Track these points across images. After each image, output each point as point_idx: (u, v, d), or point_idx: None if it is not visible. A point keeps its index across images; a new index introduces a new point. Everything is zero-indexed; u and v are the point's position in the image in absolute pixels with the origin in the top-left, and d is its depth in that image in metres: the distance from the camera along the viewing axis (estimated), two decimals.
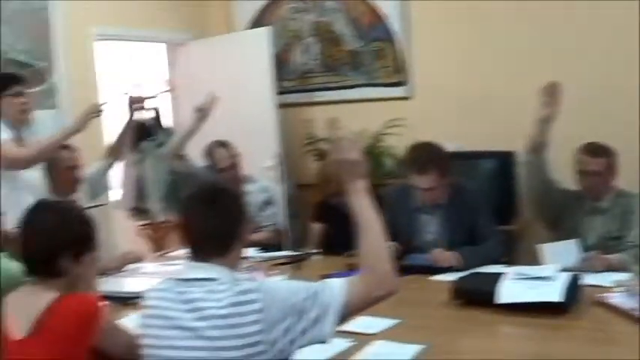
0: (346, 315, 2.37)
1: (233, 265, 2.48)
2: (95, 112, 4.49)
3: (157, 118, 7.69)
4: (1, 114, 4.45)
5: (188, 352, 2.32)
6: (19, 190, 4.33)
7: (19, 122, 4.51)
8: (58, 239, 2.72)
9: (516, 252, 5.48)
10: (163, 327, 2.39)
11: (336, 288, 2.35)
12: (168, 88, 7.66)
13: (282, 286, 2.37)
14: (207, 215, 2.48)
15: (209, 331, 2.29)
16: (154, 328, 2.42)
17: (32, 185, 4.45)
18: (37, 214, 2.80)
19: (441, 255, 4.07)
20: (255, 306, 2.27)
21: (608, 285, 3.56)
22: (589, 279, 3.65)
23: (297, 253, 4.72)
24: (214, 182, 3.99)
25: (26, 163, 4.35)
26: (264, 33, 7.13)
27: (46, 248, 2.71)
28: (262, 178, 5.74)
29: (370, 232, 2.45)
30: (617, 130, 5.22)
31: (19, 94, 4.49)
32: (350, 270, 3.93)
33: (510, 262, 4.21)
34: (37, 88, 4.69)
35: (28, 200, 3.39)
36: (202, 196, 2.56)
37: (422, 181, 4.16)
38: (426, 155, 4.20)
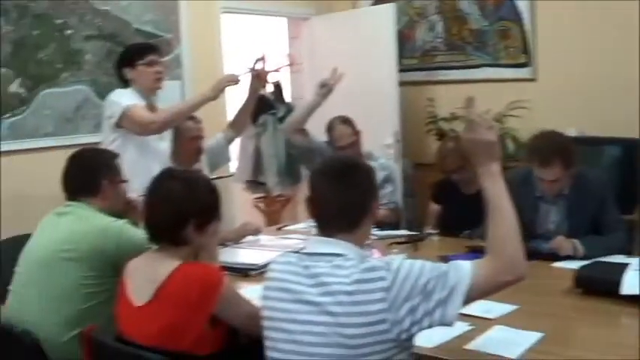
0: (471, 298, 2.33)
1: (360, 242, 2.47)
2: (232, 80, 4.53)
3: (279, 91, 7.77)
4: (135, 82, 4.54)
5: (309, 327, 2.31)
6: (147, 157, 4.42)
7: (151, 91, 4.61)
8: (184, 208, 2.77)
9: (637, 242, 5.34)
10: (286, 300, 2.39)
11: (464, 270, 2.32)
12: (289, 62, 7.70)
13: (409, 264, 2.32)
14: (337, 189, 2.47)
15: (333, 307, 2.28)
16: (277, 300, 2.43)
17: (160, 154, 4.55)
18: (164, 182, 2.85)
19: (563, 243, 3.98)
20: (382, 284, 2.26)
21: None
22: None
23: (414, 232, 4.69)
24: (345, 157, 3.97)
25: (157, 128, 4.43)
26: (388, 10, 7.11)
27: (172, 216, 2.76)
28: (381, 155, 5.71)
29: (501, 216, 2.39)
30: None
31: (154, 63, 4.58)
32: (470, 252, 3.90)
33: (630, 253, 4.08)
34: (167, 58, 4.76)
35: (155, 169, 3.46)
36: (333, 170, 2.55)
37: (545, 173, 4.06)
38: (550, 146, 4.06)
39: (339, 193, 2.46)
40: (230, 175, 6.89)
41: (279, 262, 2.53)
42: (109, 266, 3.21)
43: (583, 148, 5.25)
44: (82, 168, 3.53)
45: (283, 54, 7.84)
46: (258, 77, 4.70)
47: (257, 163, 7.69)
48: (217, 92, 4.51)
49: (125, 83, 4.59)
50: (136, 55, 4.58)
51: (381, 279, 2.26)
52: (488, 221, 2.42)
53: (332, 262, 2.36)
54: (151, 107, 4.57)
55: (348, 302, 2.26)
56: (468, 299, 2.31)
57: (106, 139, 4.51)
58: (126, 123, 4.37)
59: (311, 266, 2.39)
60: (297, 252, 2.55)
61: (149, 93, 4.58)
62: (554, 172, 4.04)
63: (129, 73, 4.56)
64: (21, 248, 3.48)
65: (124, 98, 4.43)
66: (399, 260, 2.35)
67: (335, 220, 2.46)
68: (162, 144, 4.62)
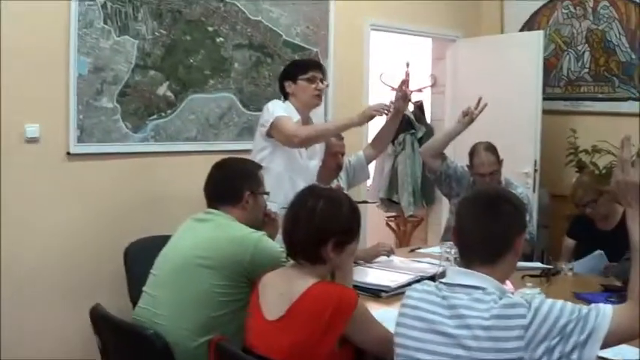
0: (611, 343, 2.29)
1: (502, 276, 2.46)
2: (380, 110, 4.55)
3: (420, 112, 7.78)
4: (294, 96, 4.62)
5: (442, 358, 2.31)
6: (294, 172, 4.47)
7: (308, 107, 4.65)
8: (326, 226, 2.77)
9: None
10: (421, 329, 2.38)
11: (605, 315, 2.26)
12: (432, 83, 7.71)
13: (550, 304, 2.28)
14: (481, 220, 2.47)
15: (469, 341, 2.26)
16: (411, 328, 2.42)
17: (308, 171, 4.60)
18: (308, 198, 2.86)
19: None
20: (521, 321, 2.23)
21: None
22: None
23: (548, 265, 4.63)
24: (496, 188, 3.94)
25: (299, 142, 4.45)
26: (535, 37, 7.05)
27: (313, 234, 2.77)
28: (518, 183, 5.66)
29: None
30: None
31: (315, 80, 4.61)
32: (605, 291, 3.83)
33: None
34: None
35: (300, 185, 3.52)
36: (480, 200, 2.56)
37: None
38: None
39: (482, 224, 2.46)
40: (374, 202, 6.93)
41: (417, 290, 2.51)
42: (243, 276, 3.25)
43: None
44: (225, 177, 3.58)
45: (427, 74, 7.86)
46: (403, 98, 4.70)
47: (392, 182, 7.70)
48: (364, 120, 4.52)
49: (285, 96, 4.67)
50: (300, 70, 4.64)
51: (521, 316, 2.23)
52: (631, 265, 2.36)
53: (471, 294, 2.35)
54: (306, 123, 4.63)
55: (484, 337, 2.24)
56: (605, 345, 2.26)
57: (257, 146, 4.60)
58: (274, 132, 4.45)
59: (449, 297, 2.38)
60: (435, 281, 2.55)
61: (305, 108, 4.63)
62: None
63: (289, 86, 4.62)
64: (154, 249, 3.56)
65: (279, 109, 4.49)
66: (540, 299, 2.31)
67: (476, 251, 2.45)
68: (312, 162, 4.68)
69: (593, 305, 2.32)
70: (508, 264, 2.48)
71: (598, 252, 4.62)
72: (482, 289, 2.35)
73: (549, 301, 2.31)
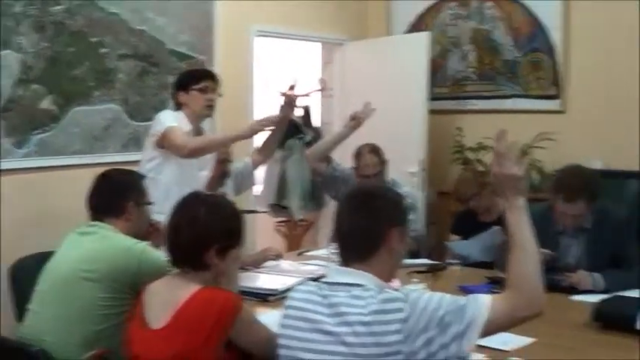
0: (488, 333, 2.33)
1: (382, 273, 2.45)
2: (269, 123, 4.55)
3: (307, 116, 7.82)
4: (186, 106, 4.59)
5: (325, 357, 2.32)
6: (183, 183, 4.40)
7: (200, 117, 4.63)
8: (207, 232, 2.76)
9: None
10: (304, 329, 2.40)
11: (482, 305, 2.30)
12: (320, 87, 7.75)
13: (428, 297, 2.31)
14: (353, 217, 2.49)
15: (349, 337, 2.28)
16: (294, 329, 2.43)
17: (197, 181, 4.57)
18: (189, 205, 2.85)
19: (583, 277, 3.99)
20: (399, 315, 2.25)
21: None
22: None
23: (435, 262, 4.71)
24: (370, 185, 3.97)
25: (187, 153, 4.42)
26: (422, 38, 7.16)
27: (195, 240, 2.76)
28: (406, 183, 5.74)
29: (523, 251, 2.39)
30: None
31: (207, 90, 4.60)
32: (489, 283, 3.91)
33: None
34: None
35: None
36: (353, 198, 2.57)
37: (569, 209, 4.06)
38: (577, 183, 4.06)
39: (354, 220, 2.48)
40: (263, 211, 6.94)
41: (299, 291, 2.53)
42: (129, 288, 3.22)
43: (608, 181, 5.27)
44: (108, 189, 3.54)
45: (315, 79, 7.89)
46: (289, 103, 4.72)
47: (281, 187, 7.73)
48: (252, 133, 4.53)
49: (178, 106, 4.63)
50: (192, 80, 4.62)
51: (399, 310, 2.26)
52: (509, 255, 2.41)
53: (350, 292, 2.36)
54: (198, 133, 4.62)
55: (364, 333, 2.26)
56: (485, 333, 2.31)
57: (146, 156, 4.57)
58: (165, 142, 4.42)
59: (330, 296, 2.39)
60: (316, 280, 2.56)
61: (197, 118, 4.61)
62: (579, 208, 4.06)
63: (182, 96, 4.60)
64: (41, 266, 3.49)
65: (170, 119, 4.46)
66: (417, 292, 2.36)
67: (351, 248, 2.47)
68: (203, 173, 4.66)
69: (470, 296, 2.36)
70: (385, 261, 2.47)
71: (496, 228, 4.72)
72: (361, 285, 2.37)
73: (427, 293, 2.34)
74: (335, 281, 2.44)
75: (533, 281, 2.36)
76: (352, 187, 3.67)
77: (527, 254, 2.38)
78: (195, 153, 4.47)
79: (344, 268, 2.47)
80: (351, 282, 2.40)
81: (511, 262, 2.40)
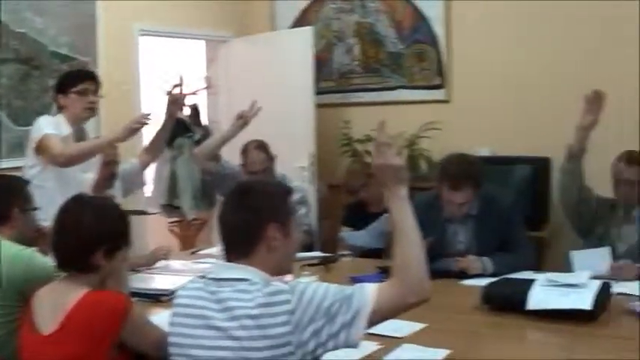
0: (376, 320, 2.35)
1: (265, 267, 2.44)
2: (140, 122, 4.49)
3: (196, 115, 7.76)
4: (66, 109, 4.51)
5: (216, 352, 2.31)
6: (67, 187, 4.31)
7: (80, 120, 4.57)
8: (92, 234, 2.73)
9: (546, 258, 5.49)
10: (193, 326, 2.38)
11: (368, 293, 2.33)
12: (207, 85, 7.71)
13: (314, 287, 2.33)
14: (231, 214, 2.49)
15: (237, 332, 2.28)
16: (184, 326, 2.42)
17: (82, 184, 4.42)
18: (73, 208, 2.81)
19: (472, 262, 4.07)
20: (286, 307, 2.26)
21: (638, 294, 3.54)
22: (619, 287, 3.66)
23: (327, 254, 4.74)
24: (249, 180, 3.97)
25: (64, 162, 4.35)
26: (306, 33, 7.17)
27: (80, 243, 2.72)
28: (296, 178, 5.76)
29: (407, 239, 2.41)
30: None
31: (86, 92, 4.52)
32: (380, 272, 3.95)
33: (539, 268, 4.18)
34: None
35: None
36: (233, 194, 2.56)
37: (455, 197, 4.13)
38: (461, 171, 4.13)
39: (232, 215, 2.48)
40: (153, 213, 6.87)
41: (187, 288, 2.51)
42: (18, 295, 3.10)
43: (495, 167, 5.43)
44: None
45: (201, 77, 7.85)
46: (175, 102, 4.68)
47: (172, 187, 7.66)
48: (128, 134, 4.43)
49: (60, 109, 4.54)
50: (70, 82, 4.53)
51: (286, 302, 2.27)
52: (394, 243, 2.44)
53: (236, 286, 2.36)
54: (79, 136, 4.54)
55: (252, 326, 2.26)
56: (373, 321, 2.33)
57: (28, 163, 4.48)
58: (41, 151, 4.34)
59: (217, 291, 2.38)
60: (204, 277, 2.55)
61: (77, 122, 4.53)
62: (464, 195, 4.13)
63: (61, 99, 4.51)
64: None
65: (47, 125, 4.37)
66: (303, 283, 2.36)
67: (231, 243, 2.47)
68: (87, 175, 4.55)
69: (357, 285, 2.38)
70: (266, 256, 2.46)
71: (386, 215, 4.73)
72: (247, 280, 2.37)
73: (314, 284, 2.35)
74: (221, 277, 2.43)
75: (417, 268, 2.38)
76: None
77: (411, 242, 2.41)
78: (71, 161, 4.39)
79: (229, 264, 2.46)
80: (236, 277, 2.39)
81: (395, 250, 2.42)
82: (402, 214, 2.43)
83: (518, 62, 6.32)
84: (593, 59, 5.96)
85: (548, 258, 5.55)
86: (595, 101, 4.24)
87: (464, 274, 4.01)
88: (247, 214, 2.46)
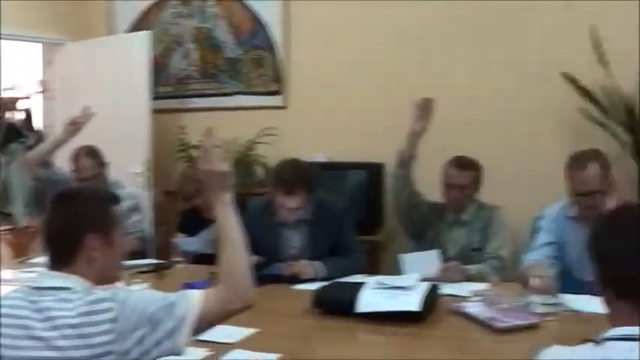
0: (202, 327, 2.33)
1: (87, 276, 2.38)
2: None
3: (28, 119, 7.56)
4: None
5: None
6: None
7: None
8: None
9: (380, 262, 5.59)
10: (16, 337, 2.28)
11: (193, 300, 2.31)
12: (41, 89, 7.52)
13: (137, 295, 2.30)
14: (51, 221, 2.43)
15: (59, 341, 2.21)
16: (8, 337, 2.31)
17: None
18: None
19: (304, 266, 4.11)
20: (109, 315, 2.21)
21: (465, 295, 3.67)
22: (448, 289, 3.78)
23: (160, 261, 4.69)
24: (72, 187, 3.88)
25: None
26: (143, 37, 7.06)
27: None
28: (131, 184, 5.68)
29: (232, 246, 2.42)
30: (485, 141, 5.45)
31: None
32: (211, 278, 3.93)
33: (374, 272, 4.25)
34: None
35: None
36: (53, 201, 2.49)
37: (288, 202, 4.17)
38: (293, 176, 4.18)
39: (52, 224, 2.42)
40: None
41: (9, 298, 2.41)
42: None
43: (330, 172, 5.49)
44: None
45: (37, 80, 7.66)
46: (5, 106, 4.55)
47: (4, 194, 7.43)
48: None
49: None
50: None
51: (108, 310, 2.22)
52: (220, 249, 2.44)
53: (58, 295, 2.29)
54: None
55: (73, 335, 2.20)
56: (199, 328, 2.31)
57: None
58: None
59: (38, 301, 2.30)
60: (26, 286, 2.47)
61: None
62: (297, 201, 4.16)
63: None
64: None
65: None
66: (127, 291, 2.33)
67: (53, 252, 2.40)
68: None
69: (180, 292, 2.37)
70: (87, 265, 2.40)
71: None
72: (68, 289, 2.31)
73: (137, 291, 2.32)
74: (43, 286, 2.36)
75: (241, 274, 2.39)
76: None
77: (236, 248, 2.42)
78: None
79: (51, 272, 2.39)
80: (58, 286, 2.33)
81: (221, 256, 2.42)
82: (227, 221, 2.44)
83: (354, 69, 6.40)
84: (424, 67, 6.10)
85: (383, 261, 5.66)
86: (424, 108, 4.35)
87: (296, 279, 4.04)
88: (65, 222, 2.41)
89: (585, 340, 1.96)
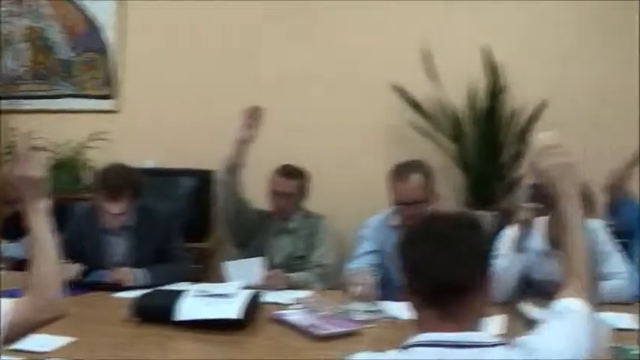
0: (14, 336, 2.29)
1: None
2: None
3: None
4: None
5: None
6: None
7: None
8: None
9: (209, 269, 5.59)
10: None
11: (2, 309, 2.26)
12: None
13: None
14: None
15: None
16: None
17: None
18: None
19: (125, 273, 4.07)
20: None
21: (287, 302, 3.71)
22: (270, 296, 3.81)
23: None
24: None
25: None
26: None
27: None
28: None
29: (43, 255, 2.38)
30: (313, 150, 5.55)
31: None
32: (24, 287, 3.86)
33: (203, 279, 4.27)
34: None
35: None
36: None
37: (113, 207, 4.13)
38: (118, 181, 4.15)
39: None
40: None
41: None
42: None
43: (159, 179, 5.45)
44: None
45: None
46: None
47: None
48: None
49: None
50: None
51: None
52: (33, 258, 2.39)
53: None
54: None
55: None
56: (10, 338, 2.27)
57: None
58: None
59: None
60: None
61: None
62: (121, 206, 4.13)
63: None
64: None
65: None
66: None
67: None
68: None
69: None
70: None
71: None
72: None
73: None
74: None
75: (51, 283, 2.35)
76: None
77: (46, 258, 2.38)
78: None
79: None
80: None
81: (34, 264, 2.38)
82: (39, 229, 2.40)
83: (187, 76, 6.37)
84: (255, 75, 6.13)
85: (212, 268, 5.65)
86: (253, 116, 4.37)
87: (118, 286, 3.99)
88: None
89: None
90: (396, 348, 1.97)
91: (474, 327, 1.97)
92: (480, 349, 1.90)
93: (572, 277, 2.20)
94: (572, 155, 2.33)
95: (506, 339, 2.00)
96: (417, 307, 2.01)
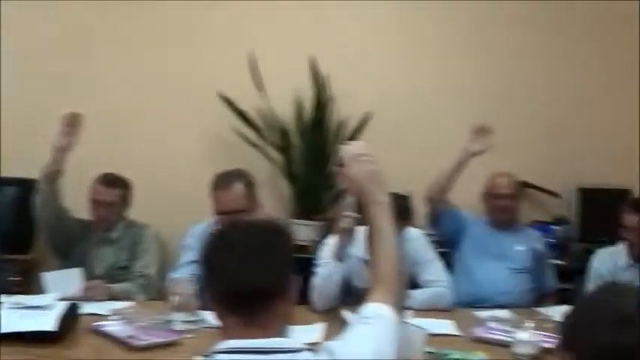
0: None
1: None
2: None
3: None
4: None
5: None
6: None
7: None
8: None
9: (32, 281, 5.44)
10: None
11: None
12: None
13: None
14: None
15: None
16: None
17: None
18: None
19: None
20: None
21: (106, 313, 3.66)
22: (89, 307, 3.74)
23: None
24: None
25: None
26: None
27: None
28: None
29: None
30: (137, 159, 5.50)
31: None
32: None
33: (24, 292, 4.17)
34: None
35: None
36: None
37: None
38: None
39: None
40: None
41: None
42: None
43: None
44: None
45: None
46: None
47: None
48: None
49: None
50: None
51: None
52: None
53: None
54: None
55: None
56: None
57: None
58: None
59: None
60: None
61: None
62: None
63: None
64: None
65: None
66: None
67: None
68: None
69: None
70: None
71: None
72: None
73: None
74: None
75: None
76: None
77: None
78: None
79: None
80: None
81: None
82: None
83: (8, 78, 6.07)
84: (80, 78, 5.98)
85: (35, 281, 5.48)
86: (71, 124, 4.24)
87: None
88: None
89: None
90: (200, 355, 1.96)
91: (280, 333, 1.98)
92: (286, 354, 1.92)
93: (380, 283, 2.26)
94: (378, 163, 2.39)
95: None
96: (221, 315, 2.01)
